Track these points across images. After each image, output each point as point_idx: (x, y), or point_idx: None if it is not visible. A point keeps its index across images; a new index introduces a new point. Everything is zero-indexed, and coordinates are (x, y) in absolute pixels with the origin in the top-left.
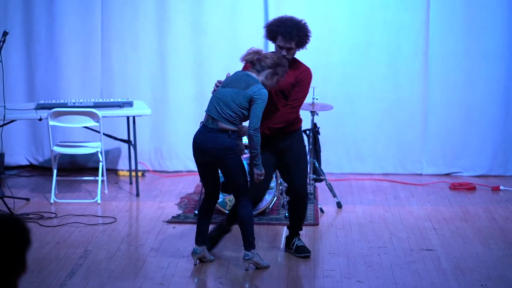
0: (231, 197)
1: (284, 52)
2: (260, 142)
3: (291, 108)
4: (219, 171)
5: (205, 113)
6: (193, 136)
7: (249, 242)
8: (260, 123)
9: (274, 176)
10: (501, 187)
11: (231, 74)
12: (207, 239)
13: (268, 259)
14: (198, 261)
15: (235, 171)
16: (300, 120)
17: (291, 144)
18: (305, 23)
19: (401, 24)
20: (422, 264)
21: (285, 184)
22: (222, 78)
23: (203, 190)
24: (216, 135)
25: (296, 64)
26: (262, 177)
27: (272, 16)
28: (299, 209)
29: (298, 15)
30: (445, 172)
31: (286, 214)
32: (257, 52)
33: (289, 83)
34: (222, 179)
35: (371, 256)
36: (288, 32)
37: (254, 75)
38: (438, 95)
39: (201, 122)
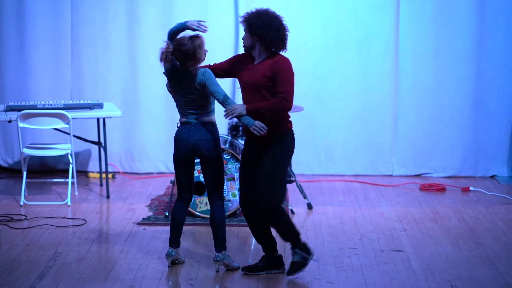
0: (202, 198)
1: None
2: (233, 101)
3: (281, 98)
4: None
5: (181, 116)
6: (163, 137)
7: (220, 243)
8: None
9: None
10: (471, 188)
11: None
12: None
13: (239, 260)
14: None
15: (220, 165)
16: (283, 124)
17: (266, 152)
18: (264, 12)
19: (371, 26)
20: (392, 265)
21: None
22: None
23: (175, 192)
24: (204, 128)
25: (272, 55)
26: (264, 128)
27: None
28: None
29: None
30: (415, 173)
31: None
32: (167, 50)
33: (264, 75)
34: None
35: (341, 257)
36: (241, 16)
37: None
38: (408, 96)
39: (177, 124)
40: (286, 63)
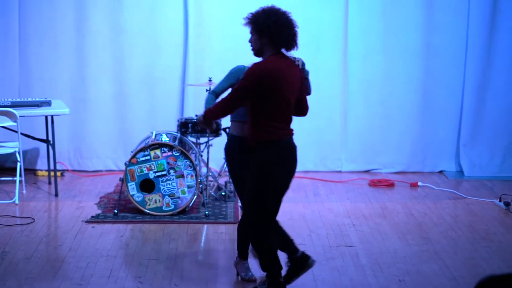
0: (151, 196)
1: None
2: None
3: None
4: None
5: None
6: (112, 135)
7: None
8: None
9: (194, 174)
10: (419, 183)
11: None
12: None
13: (189, 256)
14: None
15: None
16: None
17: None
18: (268, 9)
19: (321, 23)
20: (341, 261)
21: (205, 182)
22: (142, 76)
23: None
24: None
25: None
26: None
27: (192, 15)
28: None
29: (217, 15)
30: (364, 169)
31: (206, 212)
32: None
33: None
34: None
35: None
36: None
37: None
38: (357, 93)
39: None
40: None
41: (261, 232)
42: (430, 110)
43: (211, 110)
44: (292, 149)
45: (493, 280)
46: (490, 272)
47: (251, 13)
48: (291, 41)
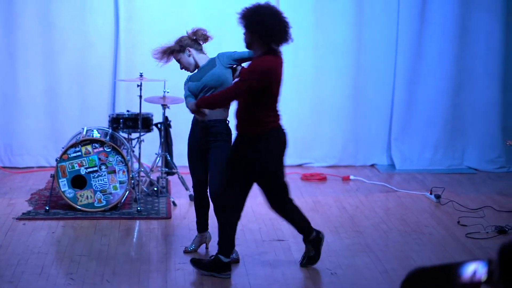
0: (83, 192)
1: None
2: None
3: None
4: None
5: None
6: (43, 131)
7: None
8: None
9: (125, 169)
10: (351, 177)
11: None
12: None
13: (121, 253)
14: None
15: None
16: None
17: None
18: (252, 7)
19: None
20: (273, 255)
21: (137, 178)
22: (73, 72)
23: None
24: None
25: (267, 52)
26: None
27: (123, 10)
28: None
29: (148, 10)
30: (296, 163)
31: (138, 208)
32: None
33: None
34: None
35: None
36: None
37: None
38: (289, 87)
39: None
40: (261, 61)
41: None
42: (362, 105)
43: (203, 100)
44: (284, 135)
45: (422, 272)
46: (421, 264)
47: (245, 8)
48: (282, 36)
